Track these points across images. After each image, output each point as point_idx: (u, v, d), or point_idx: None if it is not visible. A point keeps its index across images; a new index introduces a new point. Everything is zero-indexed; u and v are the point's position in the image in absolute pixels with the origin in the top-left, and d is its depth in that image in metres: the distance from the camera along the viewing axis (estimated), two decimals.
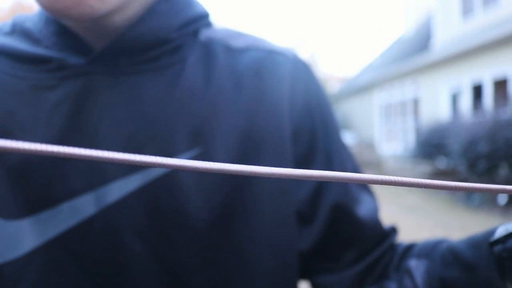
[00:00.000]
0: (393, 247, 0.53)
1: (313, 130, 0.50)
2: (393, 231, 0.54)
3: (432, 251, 0.47)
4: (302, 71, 0.52)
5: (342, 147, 0.53)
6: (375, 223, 0.52)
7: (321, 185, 0.50)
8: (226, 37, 0.50)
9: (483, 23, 8.20)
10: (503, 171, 5.68)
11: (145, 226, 0.41)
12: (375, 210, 0.53)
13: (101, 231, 0.41)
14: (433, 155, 7.79)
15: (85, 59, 0.42)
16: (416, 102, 11.21)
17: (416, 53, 11.09)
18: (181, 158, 0.42)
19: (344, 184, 0.51)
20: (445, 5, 9.51)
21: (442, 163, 7.75)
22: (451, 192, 6.86)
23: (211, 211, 0.43)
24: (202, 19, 0.48)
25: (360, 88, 15.00)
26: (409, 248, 0.51)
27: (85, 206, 0.40)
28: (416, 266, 0.47)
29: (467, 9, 8.84)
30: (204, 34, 0.48)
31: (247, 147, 0.45)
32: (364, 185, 0.54)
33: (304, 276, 0.54)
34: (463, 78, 8.77)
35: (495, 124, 5.63)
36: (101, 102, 0.42)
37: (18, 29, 0.45)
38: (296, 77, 0.50)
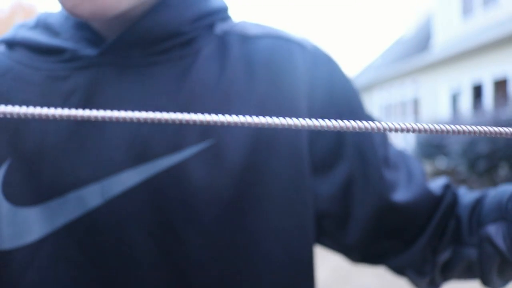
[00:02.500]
0: (452, 206, 0.50)
1: None
2: (446, 188, 0.51)
3: (508, 212, 0.45)
4: (323, 63, 0.50)
5: (375, 136, 0.51)
6: (422, 195, 0.50)
7: (350, 182, 0.48)
8: (242, 27, 0.49)
9: (483, 23, 8.20)
10: (503, 171, 5.69)
11: (151, 219, 0.41)
12: (419, 179, 0.51)
13: (106, 223, 0.41)
14: (433, 155, 7.78)
15: (97, 50, 0.43)
16: (416, 102, 11.20)
17: (416, 53, 11.08)
18: (192, 150, 0.42)
19: (377, 175, 0.49)
20: (445, 5, 9.51)
21: (442, 163, 7.74)
22: None
23: (220, 205, 0.42)
24: (219, 13, 0.48)
25: (360, 88, 14.98)
26: (477, 204, 0.49)
27: (90, 197, 0.40)
28: (495, 231, 0.45)
29: (467, 9, 8.84)
30: (220, 27, 0.48)
31: (260, 139, 0.44)
32: (400, 153, 0.53)
33: (374, 261, 0.53)
34: (463, 78, 8.76)
35: (495, 124, 5.63)
36: (110, 93, 0.42)
37: (41, 24, 0.46)
38: (315, 69, 0.49)
